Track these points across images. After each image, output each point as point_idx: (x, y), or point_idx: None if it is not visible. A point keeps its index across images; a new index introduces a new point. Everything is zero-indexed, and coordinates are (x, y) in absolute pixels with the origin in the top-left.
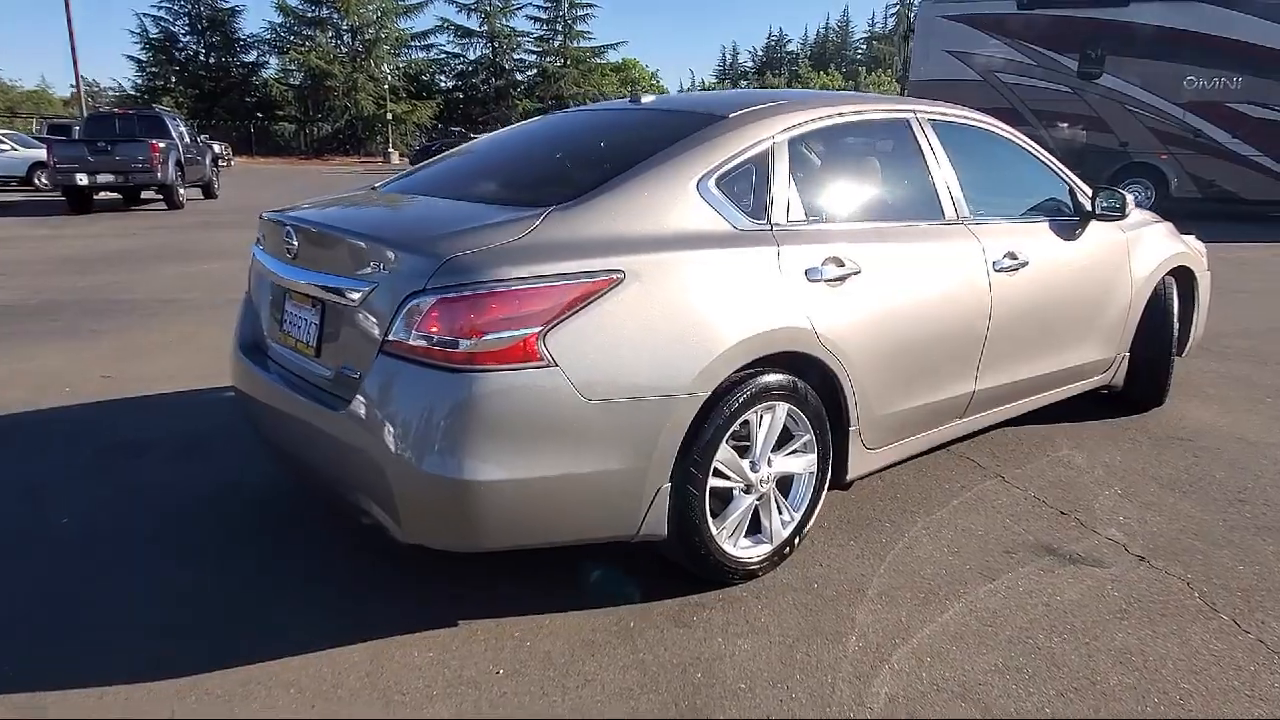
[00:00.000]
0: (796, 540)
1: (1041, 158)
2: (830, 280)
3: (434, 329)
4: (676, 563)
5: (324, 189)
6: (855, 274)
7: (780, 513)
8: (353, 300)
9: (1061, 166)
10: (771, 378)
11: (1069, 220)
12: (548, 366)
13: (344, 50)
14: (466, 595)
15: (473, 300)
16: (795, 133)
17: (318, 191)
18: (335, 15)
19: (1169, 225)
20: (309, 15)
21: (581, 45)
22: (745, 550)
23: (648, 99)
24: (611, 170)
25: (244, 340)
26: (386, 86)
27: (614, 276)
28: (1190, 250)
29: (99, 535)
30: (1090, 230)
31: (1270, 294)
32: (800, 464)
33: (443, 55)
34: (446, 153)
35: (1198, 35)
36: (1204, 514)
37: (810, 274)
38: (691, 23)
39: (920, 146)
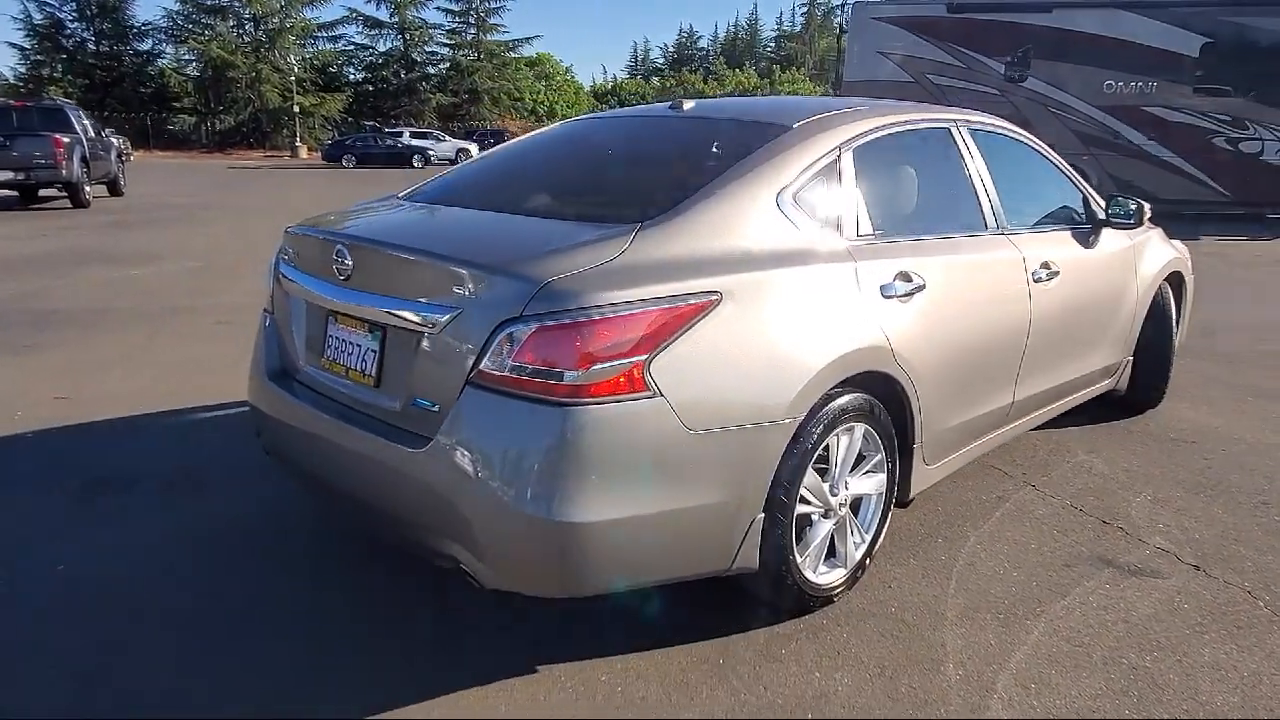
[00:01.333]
0: (867, 562)
1: (1056, 163)
2: (901, 296)
3: (532, 359)
4: (757, 595)
5: (236, 183)
6: (921, 289)
7: (852, 535)
8: (430, 327)
9: (1073, 171)
10: (851, 398)
11: (1086, 228)
12: (653, 397)
13: (246, 40)
14: (543, 638)
15: (576, 328)
16: (858, 143)
17: (234, 185)
18: (237, 3)
19: (1160, 230)
20: (208, 3)
21: (495, 39)
22: (824, 576)
23: (689, 105)
24: (689, 183)
25: (272, 366)
26: (293, 78)
27: (712, 298)
28: (1181, 255)
29: (112, 590)
30: (1103, 237)
31: (1208, 291)
32: (872, 484)
33: (351, 47)
34: (464, 161)
35: (1116, 41)
36: (1236, 519)
37: (884, 290)
38: (603, 18)
39: (962, 156)
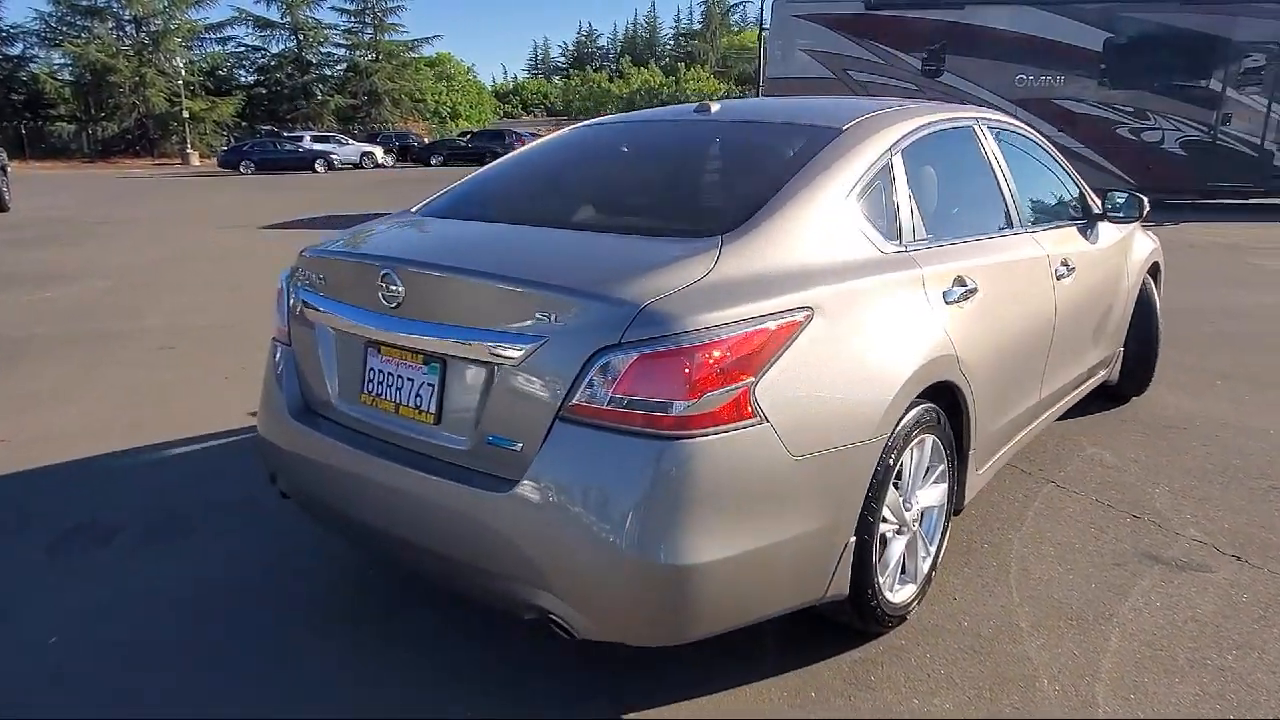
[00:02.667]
0: (933, 575)
1: (1057, 158)
2: (959, 302)
3: (634, 390)
4: (838, 620)
5: (129, 194)
6: (974, 293)
7: (920, 549)
8: (508, 358)
9: (1069, 165)
10: (922, 410)
11: (1088, 223)
12: (760, 423)
13: (128, 43)
14: (625, 683)
15: (682, 355)
16: (904, 145)
17: (128, 197)
18: (115, 4)
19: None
20: (84, 4)
21: (394, 39)
22: (899, 594)
23: (715, 107)
24: (756, 192)
25: (293, 402)
26: (180, 82)
27: (806, 314)
28: (1157, 246)
29: (116, 659)
30: (1101, 232)
31: None
32: (936, 496)
33: (242, 48)
34: (477, 173)
35: (1025, 36)
36: (1253, 506)
37: (946, 296)
38: (502, 18)
39: (986, 154)
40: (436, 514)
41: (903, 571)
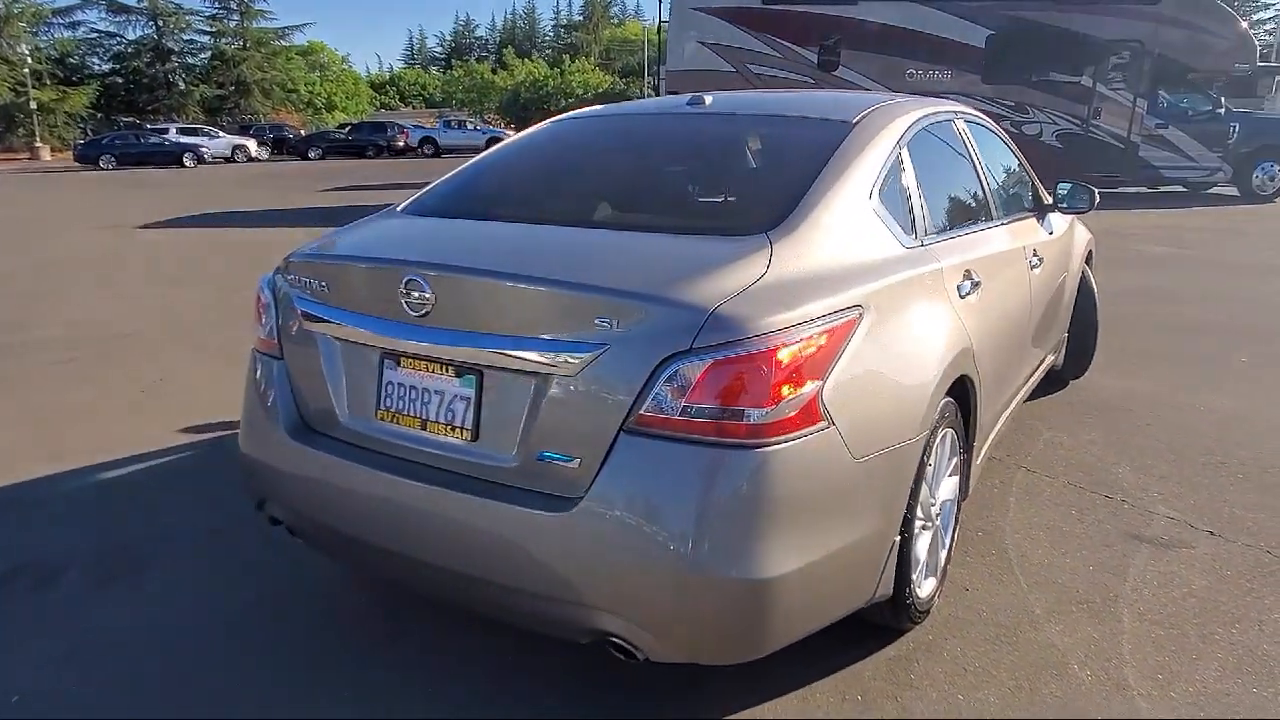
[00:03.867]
0: (947, 567)
1: (1014, 149)
2: (969, 295)
3: (707, 398)
4: (873, 620)
5: None
6: (979, 285)
7: (939, 542)
8: (564, 368)
9: (1022, 157)
10: (945, 403)
11: (1043, 213)
12: (827, 427)
13: None
14: (666, 697)
15: (757, 359)
16: (908, 138)
17: None
18: None
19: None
20: None
21: (262, 26)
22: (925, 589)
23: (709, 100)
24: (786, 188)
25: (289, 419)
26: (27, 70)
27: (859, 312)
28: (1091, 235)
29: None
30: (1053, 221)
31: None
32: (951, 488)
33: (95, 34)
34: (462, 170)
35: (914, 32)
36: (1209, 481)
37: (960, 290)
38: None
39: (968, 147)
40: (479, 537)
41: (927, 565)
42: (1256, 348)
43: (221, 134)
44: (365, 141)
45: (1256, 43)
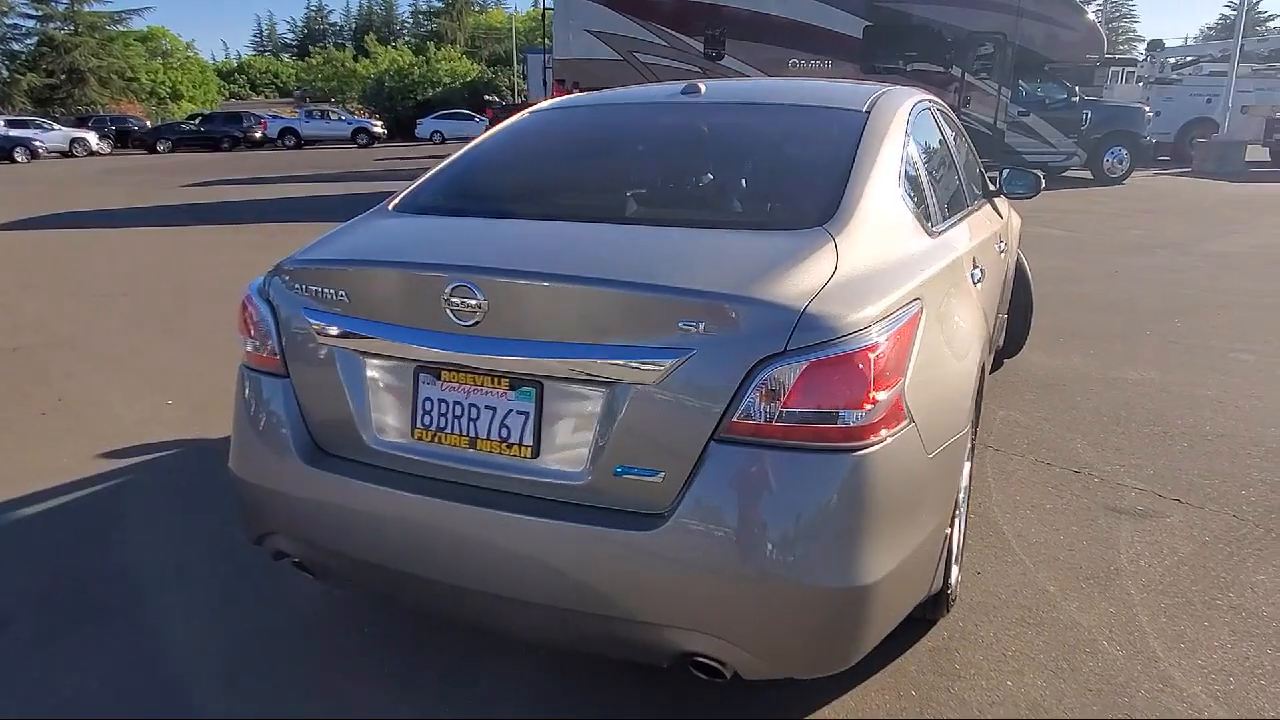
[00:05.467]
0: (962, 553)
1: (965, 134)
2: (980, 282)
3: (805, 402)
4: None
5: None
6: (982, 271)
7: (961, 529)
8: (646, 376)
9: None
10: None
11: (991, 198)
12: (909, 425)
13: None
14: (718, 708)
15: (852, 359)
16: (911, 126)
17: None
18: None
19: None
20: None
21: (96, 10)
22: (953, 577)
23: (704, 88)
24: (826, 178)
25: (299, 442)
26: None
27: (920, 306)
28: (1020, 219)
29: None
30: (1000, 206)
31: None
32: (968, 473)
33: None
34: (449, 166)
35: (796, 22)
36: (1159, 450)
37: (974, 278)
38: None
39: (945, 134)
40: (545, 561)
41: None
42: (1159, 323)
43: (57, 126)
44: (219, 133)
45: (1104, 35)
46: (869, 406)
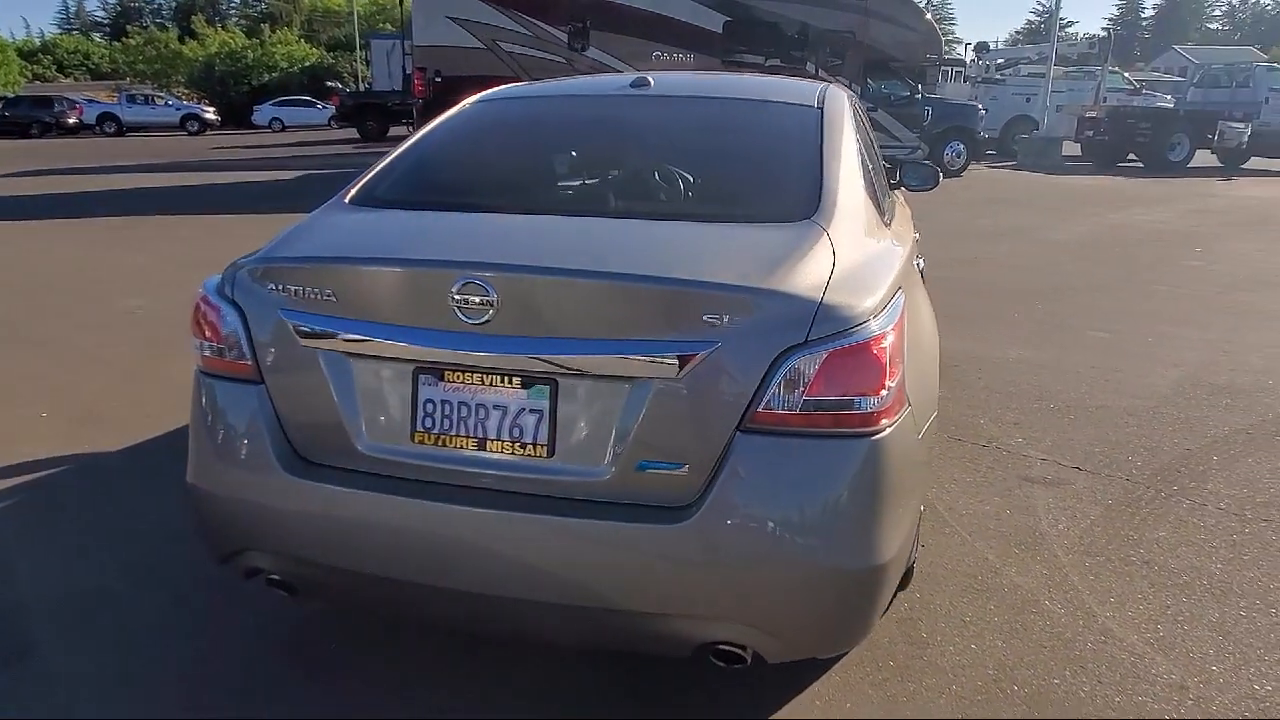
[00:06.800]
0: None
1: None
2: (922, 270)
3: (827, 390)
4: None
5: None
6: (921, 260)
7: None
8: (670, 370)
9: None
10: None
11: (894, 189)
12: (908, 408)
13: None
14: (721, 694)
15: (868, 347)
16: (854, 119)
17: None
18: None
19: None
20: None
21: None
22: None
23: (652, 80)
24: (800, 171)
25: (279, 451)
26: None
27: (903, 295)
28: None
29: None
30: (902, 198)
31: None
32: None
33: None
34: (400, 158)
35: (658, 15)
36: (1052, 421)
37: (919, 266)
38: None
39: (865, 126)
40: (574, 560)
41: None
42: (1022, 305)
43: None
44: (27, 118)
45: (941, 36)
46: (883, 392)
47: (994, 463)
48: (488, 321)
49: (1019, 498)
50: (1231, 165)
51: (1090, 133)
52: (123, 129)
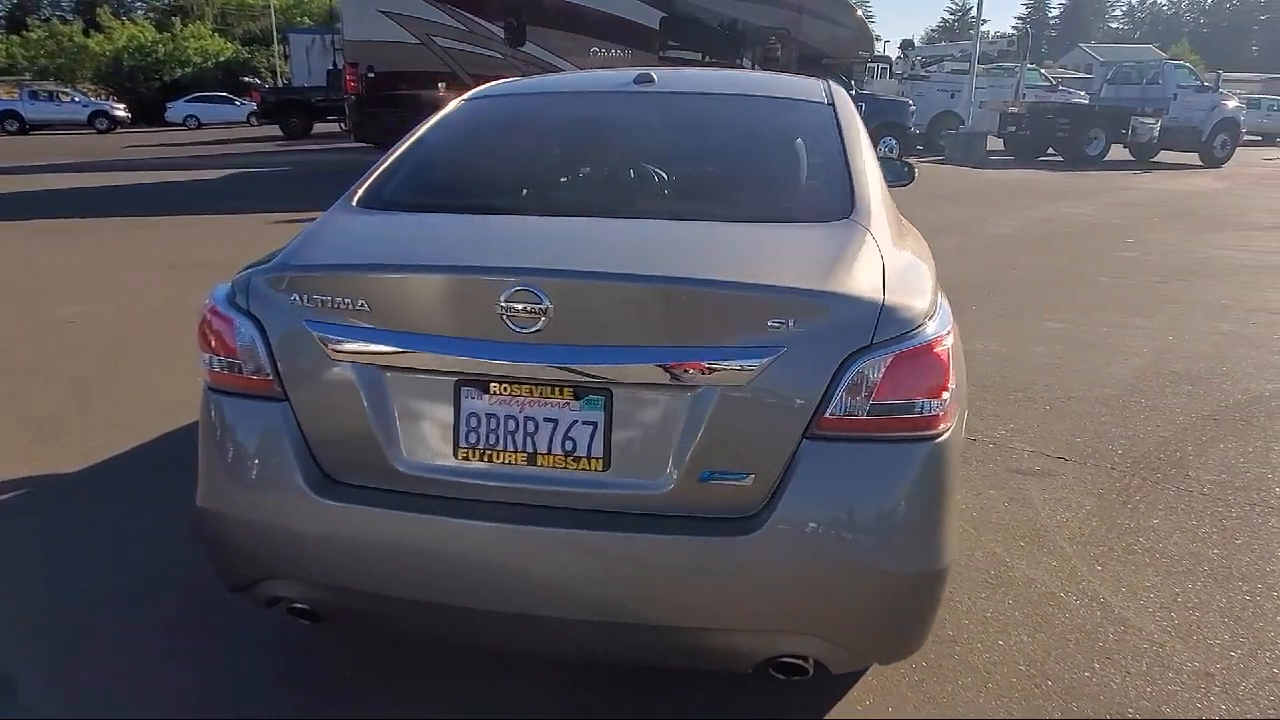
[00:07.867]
0: None
1: None
2: None
3: (893, 394)
4: None
5: None
6: None
7: None
8: (736, 377)
9: None
10: None
11: None
12: (961, 410)
13: None
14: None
15: (930, 350)
16: (859, 117)
17: None
18: None
19: None
20: None
21: None
22: None
23: (656, 77)
24: (827, 171)
25: (306, 470)
26: None
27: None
28: None
29: None
30: None
31: None
32: None
33: None
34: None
35: (595, 11)
36: (1032, 415)
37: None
38: None
39: None
40: (636, 577)
41: None
42: (977, 298)
43: None
44: None
45: (871, 33)
46: (945, 395)
47: (984, 455)
48: (539, 330)
49: (1013, 490)
50: (1143, 159)
51: (1013, 128)
52: (26, 127)
